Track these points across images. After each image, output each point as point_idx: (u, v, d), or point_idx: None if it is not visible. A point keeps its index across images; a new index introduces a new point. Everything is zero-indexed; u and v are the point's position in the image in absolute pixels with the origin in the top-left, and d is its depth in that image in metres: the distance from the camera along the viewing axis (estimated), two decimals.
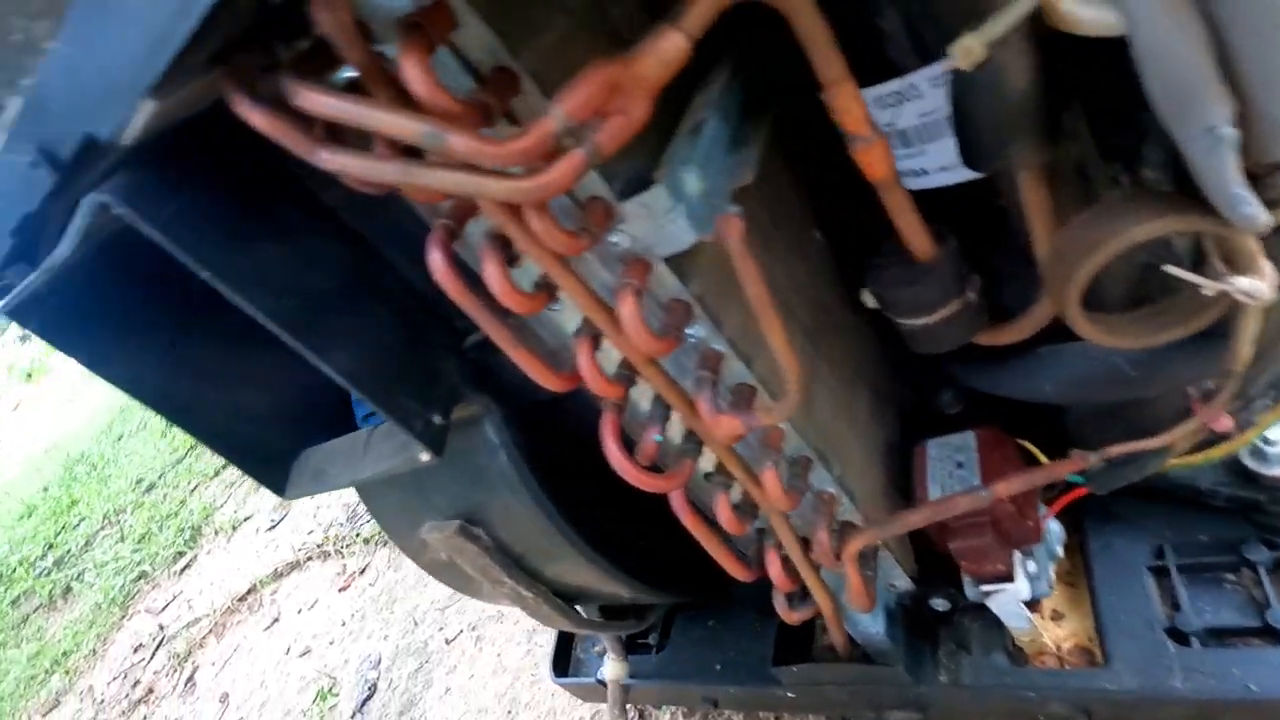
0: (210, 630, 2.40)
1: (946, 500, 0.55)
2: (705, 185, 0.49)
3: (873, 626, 0.70)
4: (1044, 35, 0.39)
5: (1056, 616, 0.72)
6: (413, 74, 0.36)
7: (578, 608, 0.81)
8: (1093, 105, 0.46)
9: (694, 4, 0.36)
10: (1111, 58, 0.42)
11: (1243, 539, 0.63)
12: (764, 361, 0.58)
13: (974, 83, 0.41)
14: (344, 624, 1.91)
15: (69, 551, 4.44)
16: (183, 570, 3.09)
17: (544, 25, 0.45)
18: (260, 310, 0.47)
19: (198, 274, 0.45)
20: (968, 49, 0.39)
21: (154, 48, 0.35)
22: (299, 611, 2.13)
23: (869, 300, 0.56)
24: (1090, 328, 0.44)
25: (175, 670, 2.36)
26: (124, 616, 3.06)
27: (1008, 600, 0.65)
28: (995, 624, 0.71)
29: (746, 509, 0.63)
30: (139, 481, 5.05)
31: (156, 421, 6.77)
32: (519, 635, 1.44)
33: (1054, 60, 0.41)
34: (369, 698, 1.61)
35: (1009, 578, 0.64)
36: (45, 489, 7.09)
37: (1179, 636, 0.61)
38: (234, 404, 0.71)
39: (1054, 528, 0.68)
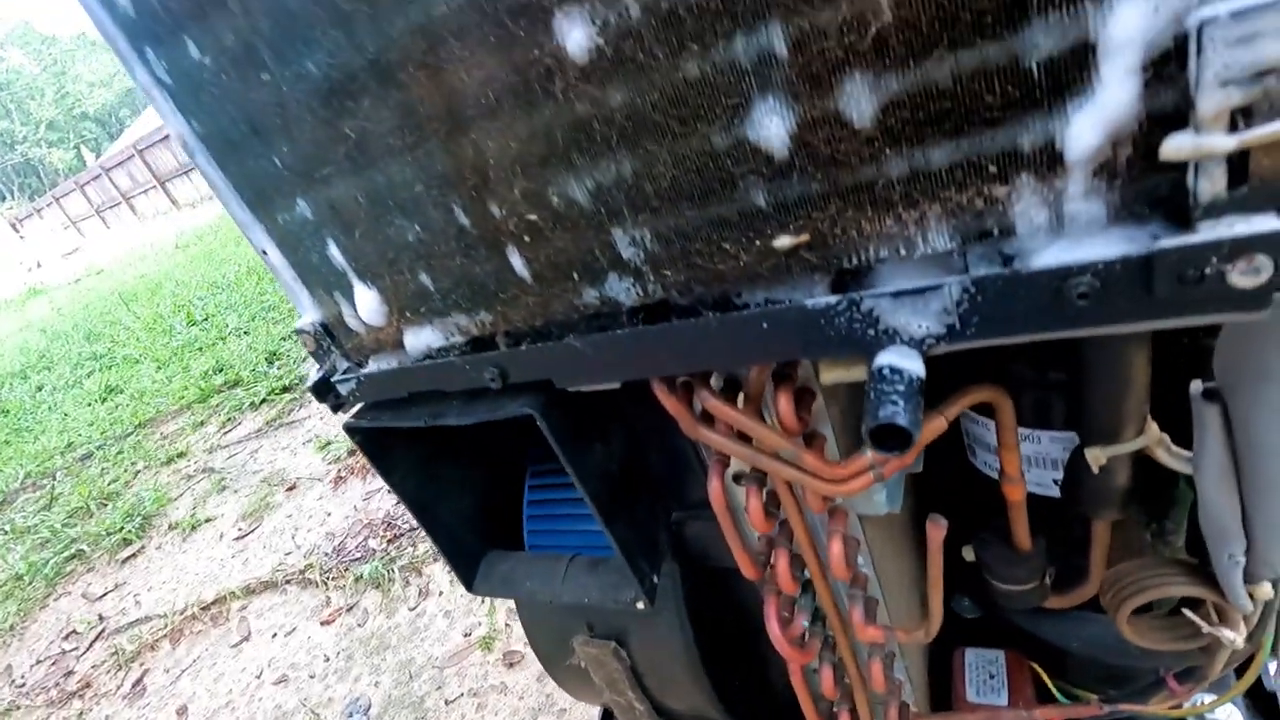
0: (165, 634, 2.38)
1: (998, 711, 0.78)
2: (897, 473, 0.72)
3: None
4: (1141, 456, 0.65)
5: None
6: (784, 410, 0.58)
7: None
8: (1147, 483, 0.72)
9: (956, 403, 0.60)
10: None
11: None
12: (884, 579, 0.81)
13: (1089, 471, 0.66)
14: (328, 659, 1.98)
15: None
16: (126, 560, 3.03)
17: None
18: (586, 492, 0.67)
19: (562, 465, 0.65)
20: (1096, 457, 0.64)
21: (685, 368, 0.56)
22: (274, 635, 2.16)
23: (969, 555, 0.80)
24: (1129, 630, 0.68)
25: (119, 669, 2.33)
26: (50, 595, 2.96)
27: None
28: None
29: (839, 679, 0.84)
30: (70, 446, 4.85)
31: (91, 383, 6.48)
32: (524, 711, 1.57)
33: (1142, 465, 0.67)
34: None
35: None
36: None
37: None
38: (453, 509, 0.89)
39: None
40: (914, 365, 0.45)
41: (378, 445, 0.78)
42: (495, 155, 0.54)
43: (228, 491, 3.28)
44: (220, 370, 4.99)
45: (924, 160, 0.43)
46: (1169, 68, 0.34)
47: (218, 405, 4.48)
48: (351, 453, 3.03)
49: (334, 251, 0.67)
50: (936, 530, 0.63)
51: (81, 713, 2.22)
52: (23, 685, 2.44)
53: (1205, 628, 0.65)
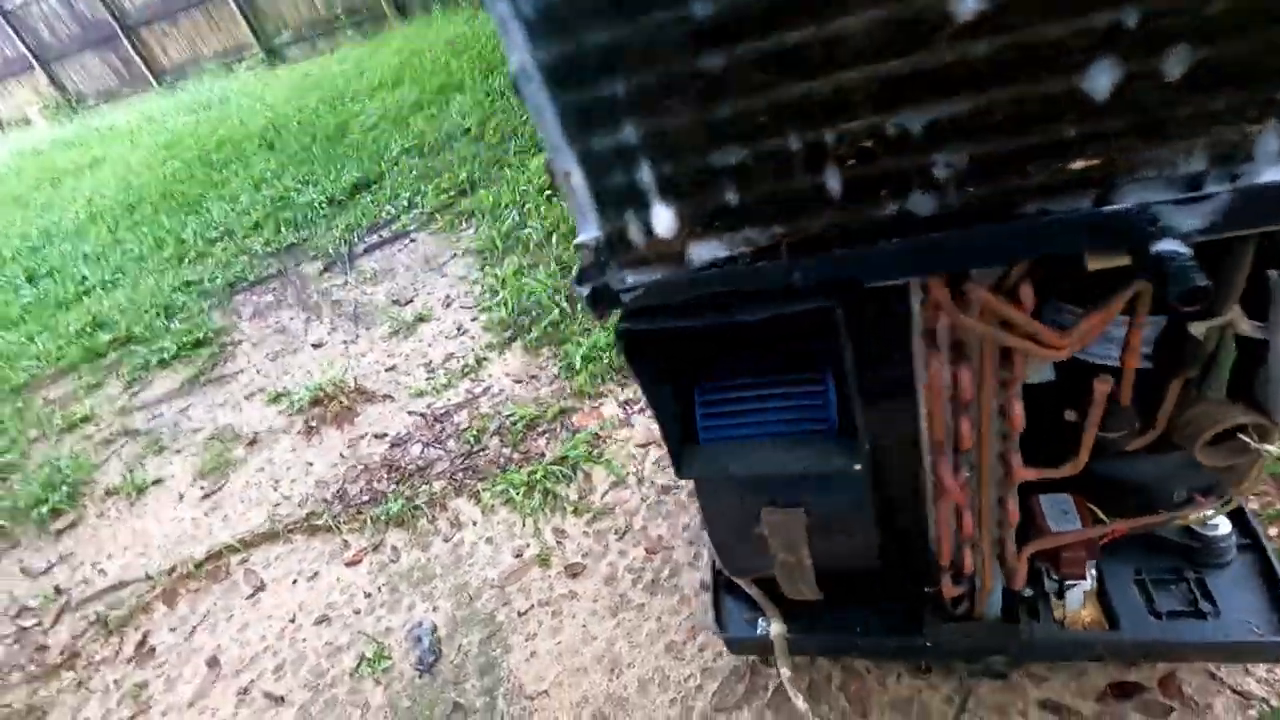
0: (155, 595, 2.26)
1: (1088, 530, 1.05)
2: None
3: (1000, 600, 1.18)
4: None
5: None
6: (1029, 298, 0.78)
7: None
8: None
9: (1123, 294, 0.82)
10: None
11: (1181, 566, 1.21)
12: None
13: (1188, 339, 0.91)
14: (368, 595, 2.00)
15: None
16: (64, 531, 2.77)
17: None
18: (858, 377, 0.84)
19: (843, 356, 0.81)
20: (1199, 330, 0.89)
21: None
22: (294, 582, 2.13)
23: (1071, 416, 1.05)
24: (1203, 455, 0.96)
25: (109, 635, 2.19)
26: None
27: (1078, 591, 1.16)
28: (1049, 604, 1.23)
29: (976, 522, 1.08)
30: None
31: None
32: (601, 611, 1.71)
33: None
34: (435, 660, 1.76)
35: (1084, 577, 1.15)
36: None
37: (1155, 614, 1.17)
38: (671, 412, 1.02)
39: None
40: (1187, 251, 0.65)
41: (640, 350, 0.90)
42: (855, 91, 0.67)
43: (168, 452, 3.06)
44: (101, 326, 4.49)
45: (1207, 104, 0.62)
46: None
47: (111, 365, 4.06)
48: (316, 403, 2.92)
49: (643, 174, 0.77)
50: (1103, 385, 0.86)
51: (81, 682, 2.09)
52: None
53: (1253, 445, 0.93)
